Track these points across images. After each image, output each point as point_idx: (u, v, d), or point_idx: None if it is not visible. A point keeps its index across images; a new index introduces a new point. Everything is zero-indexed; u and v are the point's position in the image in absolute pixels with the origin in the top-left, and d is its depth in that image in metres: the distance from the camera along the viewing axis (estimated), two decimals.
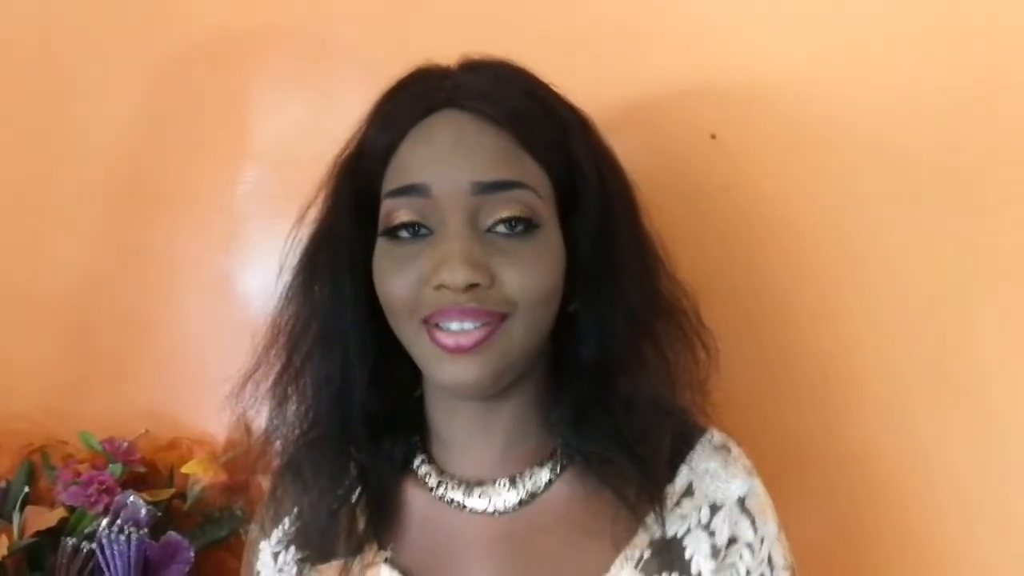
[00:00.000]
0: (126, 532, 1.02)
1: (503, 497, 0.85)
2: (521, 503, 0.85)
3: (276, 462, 0.94)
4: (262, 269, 1.18)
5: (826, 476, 1.06)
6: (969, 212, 1.01)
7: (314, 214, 0.90)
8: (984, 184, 1.00)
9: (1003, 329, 1.01)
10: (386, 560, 0.85)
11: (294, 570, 0.88)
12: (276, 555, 0.90)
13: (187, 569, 1.05)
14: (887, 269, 1.03)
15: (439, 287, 0.79)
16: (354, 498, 0.88)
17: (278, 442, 0.92)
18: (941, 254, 1.02)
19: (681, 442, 0.85)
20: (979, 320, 1.01)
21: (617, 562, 0.82)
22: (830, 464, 1.06)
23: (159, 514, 1.08)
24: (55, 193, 1.26)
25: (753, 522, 0.84)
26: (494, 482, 0.85)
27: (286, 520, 0.91)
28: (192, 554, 1.05)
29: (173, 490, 1.13)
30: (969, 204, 1.01)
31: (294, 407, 0.90)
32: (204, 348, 1.21)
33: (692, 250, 0.93)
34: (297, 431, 0.90)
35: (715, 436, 0.87)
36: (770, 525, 0.85)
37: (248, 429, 1.07)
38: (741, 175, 1.06)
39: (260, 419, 0.94)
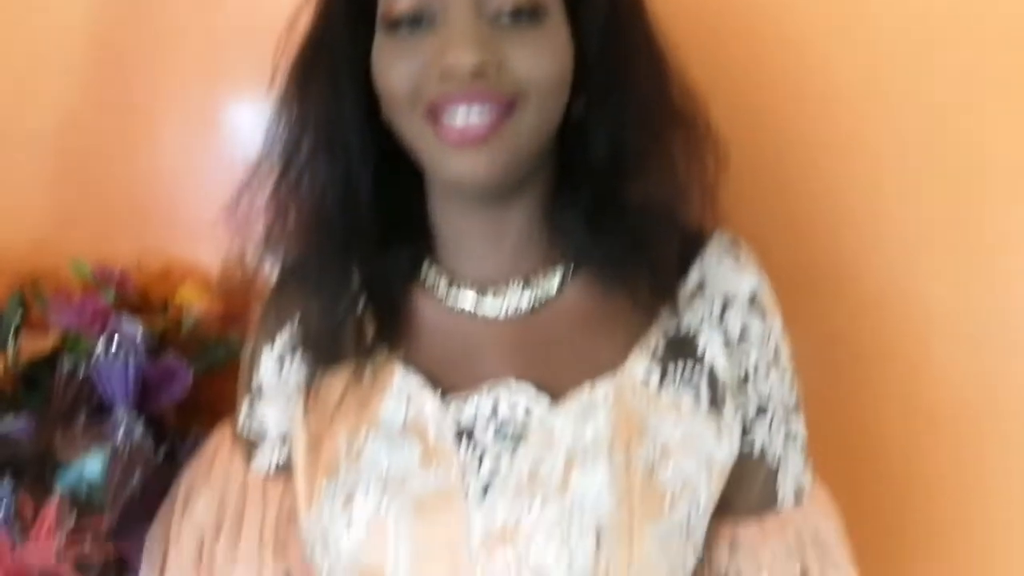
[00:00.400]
0: (122, 354, 1.01)
1: (516, 297, 0.84)
2: (533, 310, 0.84)
3: (275, 277, 0.93)
4: (249, 99, 1.16)
5: (829, 303, 1.07)
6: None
7: (304, 26, 0.87)
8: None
9: (1016, 162, 1.01)
10: (399, 361, 0.85)
11: (302, 375, 0.88)
12: (280, 361, 0.90)
13: (185, 391, 1.04)
14: (898, 90, 1.02)
15: (444, 74, 0.76)
16: (359, 309, 0.87)
17: (277, 255, 0.91)
18: (953, 71, 1.01)
19: (692, 243, 0.86)
20: (992, 151, 1.02)
21: (632, 355, 0.82)
22: (832, 292, 1.07)
23: (155, 339, 1.07)
24: (37, 30, 1.22)
25: (763, 317, 0.85)
26: (507, 283, 0.85)
27: (288, 327, 0.90)
28: (190, 376, 1.04)
29: (168, 319, 1.12)
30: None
31: (293, 217, 0.89)
32: (193, 180, 1.18)
33: (693, 62, 0.91)
34: (297, 240, 0.89)
35: (725, 236, 0.87)
36: (777, 320, 0.86)
37: (243, 259, 1.06)
38: None
39: (257, 234, 0.93)
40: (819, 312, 1.05)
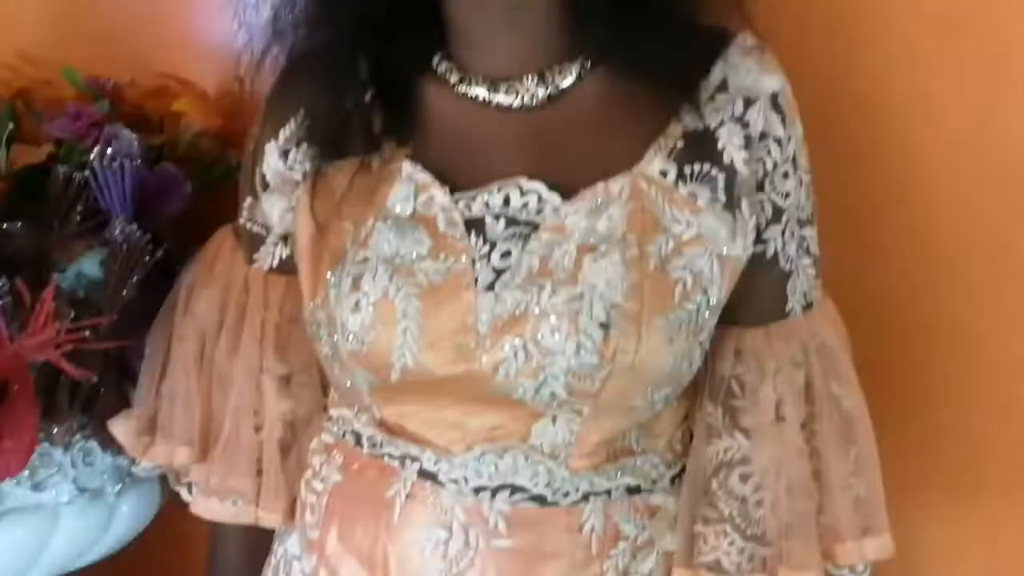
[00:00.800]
0: (119, 162, 0.98)
1: (530, 91, 0.82)
2: (550, 99, 0.83)
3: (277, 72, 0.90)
4: None
5: (844, 126, 1.04)
6: None
7: None
8: None
9: None
10: (407, 156, 0.83)
11: (307, 168, 0.86)
12: (285, 154, 0.88)
13: (184, 202, 1.02)
14: None
15: None
16: (367, 98, 0.85)
17: (283, 47, 0.88)
18: None
19: (715, 41, 0.83)
20: None
21: (649, 152, 0.81)
22: (849, 113, 1.04)
23: (152, 153, 1.04)
24: None
25: (783, 120, 0.83)
26: (521, 78, 0.82)
27: (292, 120, 0.88)
28: (189, 188, 1.02)
29: (164, 135, 1.09)
30: None
31: (300, 6, 0.85)
32: None
33: None
34: (304, 30, 0.86)
35: (750, 38, 0.84)
36: (798, 127, 0.85)
37: (241, 81, 1.03)
38: None
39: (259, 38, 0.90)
40: (835, 135, 1.02)
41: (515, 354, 0.78)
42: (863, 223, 1.05)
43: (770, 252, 0.84)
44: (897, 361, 1.04)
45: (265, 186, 0.90)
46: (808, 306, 0.87)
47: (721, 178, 0.81)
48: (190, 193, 1.03)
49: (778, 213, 0.84)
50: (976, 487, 1.06)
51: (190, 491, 0.97)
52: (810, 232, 0.86)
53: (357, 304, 0.80)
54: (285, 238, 0.91)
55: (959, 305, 1.05)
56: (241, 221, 0.93)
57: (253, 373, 0.93)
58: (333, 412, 0.92)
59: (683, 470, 0.89)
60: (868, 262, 1.05)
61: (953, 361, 1.05)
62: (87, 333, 0.87)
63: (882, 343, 1.01)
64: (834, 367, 0.87)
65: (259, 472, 0.94)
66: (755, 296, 0.85)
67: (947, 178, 1.04)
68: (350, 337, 0.80)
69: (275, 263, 0.92)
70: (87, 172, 0.99)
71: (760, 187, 0.82)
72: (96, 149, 0.99)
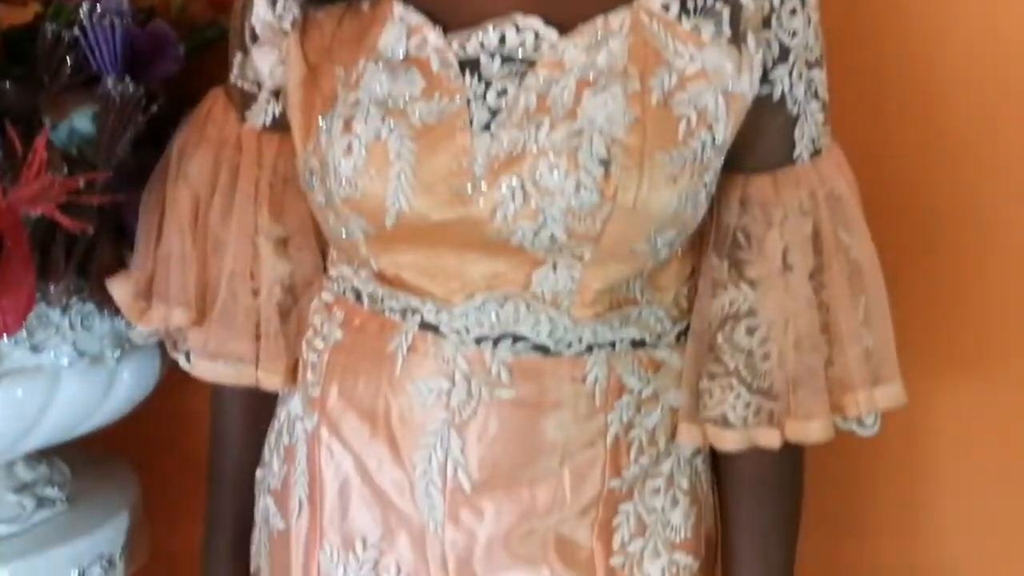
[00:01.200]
0: (108, 19, 0.96)
1: None
2: None
3: None
4: None
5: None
6: None
7: None
8: None
9: None
10: None
11: (295, 15, 0.84)
12: (274, 2, 0.85)
13: (177, 63, 0.99)
14: None
15: None
16: None
17: None
18: None
19: None
20: None
21: None
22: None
23: (143, 16, 1.01)
24: None
25: None
26: None
27: None
28: (181, 52, 0.99)
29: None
30: None
31: None
32: None
33: None
34: None
35: None
36: None
37: None
38: None
39: None
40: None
41: (512, 195, 0.76)
42: (869, 75, 1.03)
43: (777, 94, 0.81)
44: (902, 216, 1.03)
45: (254, 38, 0.88)
46: (816, 152, 0.85)
47: (726, 12, 0.78)
48: (183, 55, 1.00)
49: (785, 52, 0.81)
50: (980, 345, 1.05)
51: (188, 358, 0.96)
52: (818, 75, 0.84)
53: (349, 147, 0.78)
54: (277, 94, 0.88)
55: (966, 160, 1.03)
56: (232, 79, 0.91)
57: (248, 235, 0.91)
58: (332, 271, 0.90)
59: (689, 328, 0.88)
60: (875, 113, 1.03)
61: (960, 218, 1.04)
62: (81, 184, 0.85)
63: (888, 196, 0.99)
64: (843, 216, 0.85)
65: (258, 337, 0.93)
66: (761, 141, 0.83)
67: (955, 35, 1.02)
68: (343, 181, 0.78)
69: (268, 120, 0.90)
70: (76, 30, 0.96)
71: (766, 23, 0.80)
72: (84, 6, 0.96)
